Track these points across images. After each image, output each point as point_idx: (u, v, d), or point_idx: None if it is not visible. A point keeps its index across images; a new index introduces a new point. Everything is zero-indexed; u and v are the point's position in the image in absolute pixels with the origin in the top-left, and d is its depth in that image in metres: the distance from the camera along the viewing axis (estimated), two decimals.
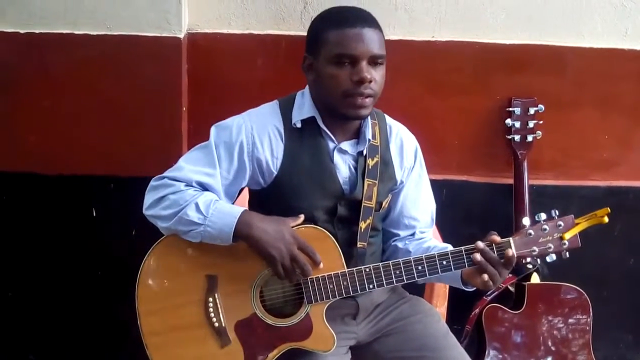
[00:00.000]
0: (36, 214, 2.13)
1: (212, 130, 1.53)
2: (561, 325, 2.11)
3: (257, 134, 1.50)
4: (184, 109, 2.07)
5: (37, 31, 1.97)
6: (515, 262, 1.42)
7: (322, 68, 1.44)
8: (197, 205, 1.43)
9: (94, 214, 2.13)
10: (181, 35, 1.98)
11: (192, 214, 1.43)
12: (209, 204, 1.44)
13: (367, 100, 1.44)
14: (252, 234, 1.42)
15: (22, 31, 1.97)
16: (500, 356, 2.09)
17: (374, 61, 1.43)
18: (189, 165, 1.50)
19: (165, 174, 1.51)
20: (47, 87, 2.02)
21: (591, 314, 2.12)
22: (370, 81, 1.42)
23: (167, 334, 1.52)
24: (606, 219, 1.42)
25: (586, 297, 2.12)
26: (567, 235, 1.43)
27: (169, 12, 1.95)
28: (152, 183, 1.51)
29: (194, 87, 2.08)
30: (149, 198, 1.50)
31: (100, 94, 2.02)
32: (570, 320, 2.12)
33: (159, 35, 1.97)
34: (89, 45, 1.97)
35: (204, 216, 1.42)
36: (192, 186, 1.48)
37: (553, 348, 2.11)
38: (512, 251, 1.41)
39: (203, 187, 1.49)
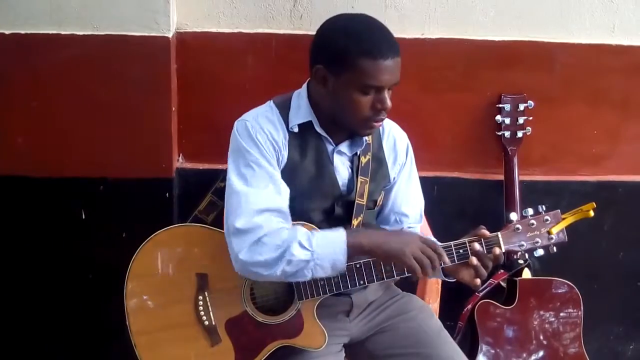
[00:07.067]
0: (25, 217, 2.11)
1: (239, 141, 1.46)
2: (553, 319, 2.13)
3: (273, 138, 1.48)
4: (174, 109, 2.05)
5: (22, 32, 1.94)
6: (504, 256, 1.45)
7: (344, 90, 1.41)
8: (300, 243, 1.39)
9: (83, 217, 2.11)
10: (170, 35, 1.96)
11: (299, 252, 1.39)
12: (309, 238, 1.40)
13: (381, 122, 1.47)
14: (369, 246, 1.40)
15: (7, 32, 1.94)
16: (493, 351, 2.10)
17: (391, 87, 1.44)
18: (251, 188, 1.42)
19: (241, 211, 1.40)
20: (34, 88, 1.99)
21: (582, 307, 2.13)
22: None
23: (156, 333, 1.52)
24: (592, 213, 1.45)
25: (577, 291, 2.14)
26: (555, 230, 1.46)
27: (157, 12, 1.93)
28: (237, 226, 1.40)
29: (183, 86, 2.06)
30: (240, 244, 1.40)
31: (88, 95, 2.00)
32: (562, 314, 2.13)
33: (147, 34, 1.94)
34: (75, 46, 1.94)
35: (311, 251, 1.39)
36: (275, 216, 1.41)
37: (545, 342, 2.12)
38: (499, 250, 1.44)
39: (278, 206, 1.43)
